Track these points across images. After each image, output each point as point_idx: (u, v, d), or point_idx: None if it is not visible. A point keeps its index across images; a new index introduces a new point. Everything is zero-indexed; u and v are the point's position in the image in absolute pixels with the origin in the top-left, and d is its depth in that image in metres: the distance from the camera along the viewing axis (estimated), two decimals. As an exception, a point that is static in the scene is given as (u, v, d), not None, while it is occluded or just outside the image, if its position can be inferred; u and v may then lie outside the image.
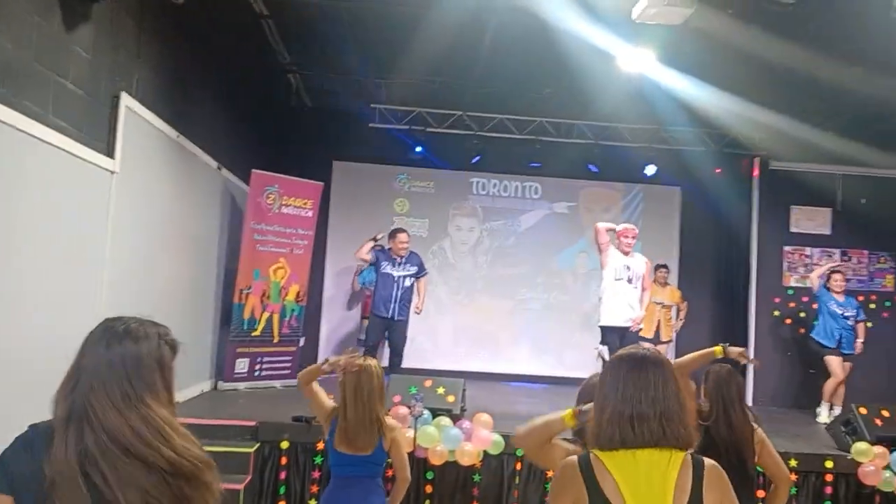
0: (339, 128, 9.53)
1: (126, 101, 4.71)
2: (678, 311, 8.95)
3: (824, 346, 7.58)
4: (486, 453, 5.24)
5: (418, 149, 9.46)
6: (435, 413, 5.34)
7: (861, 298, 8.90)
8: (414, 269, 7.41)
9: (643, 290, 6.93)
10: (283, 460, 5.18)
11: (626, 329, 6.59)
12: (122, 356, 1.67)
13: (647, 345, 6.45)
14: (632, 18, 5.05)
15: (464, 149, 9.52)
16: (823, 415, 7.40)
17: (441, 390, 5.54)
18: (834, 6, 5.73)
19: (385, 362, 8.45)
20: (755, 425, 3.44)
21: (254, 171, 7.21)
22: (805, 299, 8.82)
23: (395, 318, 7.27)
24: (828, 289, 7.83)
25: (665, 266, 8.72)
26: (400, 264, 7.33)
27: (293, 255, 7.56)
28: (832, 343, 7.54)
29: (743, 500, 3.29)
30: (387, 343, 7.47)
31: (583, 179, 10.25)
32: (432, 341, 7.64)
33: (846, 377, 7.51)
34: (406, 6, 6.19)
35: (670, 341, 8.65)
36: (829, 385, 7.51)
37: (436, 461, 5.09)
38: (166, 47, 5.56)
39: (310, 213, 7.69)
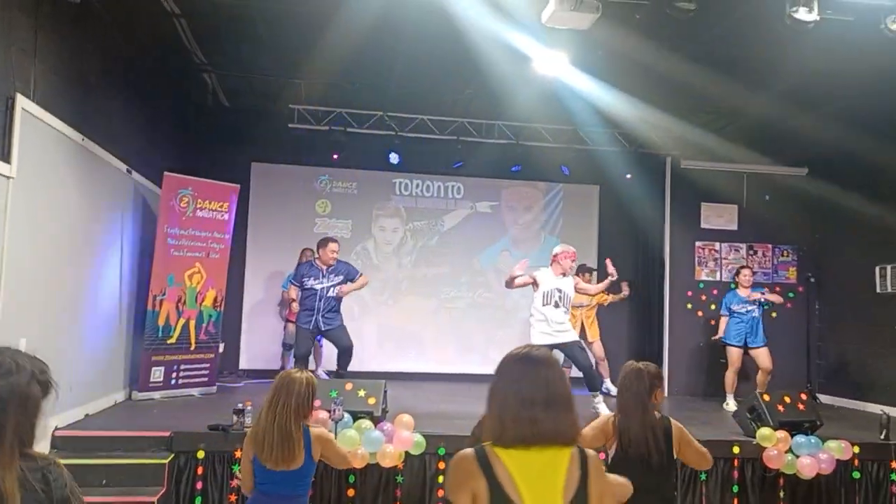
0: (257, 129, 9.35)
1: (22, 102, 4.51)
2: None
3: (733, 345, 7.97)
4: (407, 454, 5.26)
5: (335, 156, 9.39)
6: (356, 416, 5.33)
7: (766, 290, 9.36)
8: (339, 279, 7.30)
9: (584, 291, 7.35)
10: (200, 470, 5.06)
11: (564, 343, 6.72)
12: None
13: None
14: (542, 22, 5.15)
15: (386, 149, 9.50)
16: (731, 404, 7.76)
17: (362, 393, 5.52)
18: (733, 14, 5.99)
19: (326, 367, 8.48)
20: (670, 419, 3.57)
21: (166, 173, 7.02)
22: (715, 292, 9.20)
23: (323, 329, 7.19)
24: (736, 284, 8.19)
25: (589, 270, 8.84)
26: (324, 275, 7.22)
27: (209, 260, 7.39)
28: (739, 342, 7.93)
29: (663, 488, 3.45)
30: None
31: (505, 179, 10.40)
32: (357, 343, 7.60)
33: (767, 366, 7.86)
34: (318, 6, 6.13)
35: (596, 340, 8.83)
36: (728, 376, 7.91)
37: (357, 464, 5.07)
38: (67, 46, 5.34)
39: (226, 216, 7.53)
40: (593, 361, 8.59)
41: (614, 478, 2.89)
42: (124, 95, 6.73)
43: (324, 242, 7.37)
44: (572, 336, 6.83)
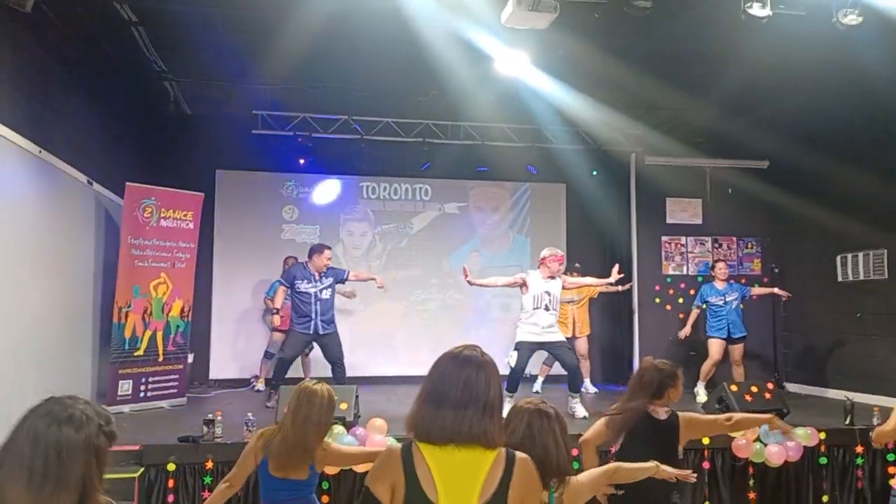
0: (221, 136, 9.26)
1: (-25, 115, 4.42)
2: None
3: (716, 338, 8.07)
4: (381, 458, 5.24)
5: (301, 161, 9.34)
6: (327, 422, 5.29)
7: (732, 282, 9.52)
8: (330, 280, 7.26)
9: (570, 285, 7.40)
10: (171, 483, 4.99)
11: (550, 343, 6.82)
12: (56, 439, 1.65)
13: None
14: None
15: (352, 153, 9.49)
16: (701, 394, 7.88)
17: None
18: (689, 11, 6.09)
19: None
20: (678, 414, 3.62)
21: (128, 184, 6.92)
22: (682, 285, 9.33)
23: (321, 333, 7.12)
24: (712, 278, 8.31)
25: (576, 269, 8.81)
26: (318, 279, 7.16)
27: (175, 270, 7.30)
28: (723, 334, 8.04)
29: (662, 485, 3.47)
30: (324, 356, 7.37)
31: (472, 180, 10.43)
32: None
33: (742, 358, 8.03)
34: (274, 9, 6.10)
35: (587, 334, 8.90)
36: (705, 366, 8.03)
37: (331, 471, 5.04)
38: (21, 57, 5.24)
39: (191, 225, 7.44)
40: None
41: (590, 473, 2.94)
42: (83, 106, 6.63)
43: (319, 249, 7.29)
44: (559, 336, 6.91)
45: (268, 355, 8.74)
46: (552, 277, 6.91)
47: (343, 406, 5.47)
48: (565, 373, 6.91)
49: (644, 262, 9.52)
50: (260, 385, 8.54)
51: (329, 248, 7.46)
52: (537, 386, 8.59)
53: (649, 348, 9.26)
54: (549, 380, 8.70)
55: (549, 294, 6.82)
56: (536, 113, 8.70)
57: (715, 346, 8.05)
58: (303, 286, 7.10)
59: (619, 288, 8.67)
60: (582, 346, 8.70)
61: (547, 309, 6.80)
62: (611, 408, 3.72)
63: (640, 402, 3.54)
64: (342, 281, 7.44)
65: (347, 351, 9.42)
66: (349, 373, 8.00)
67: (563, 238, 10.60)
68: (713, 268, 8.45)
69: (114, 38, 7.06)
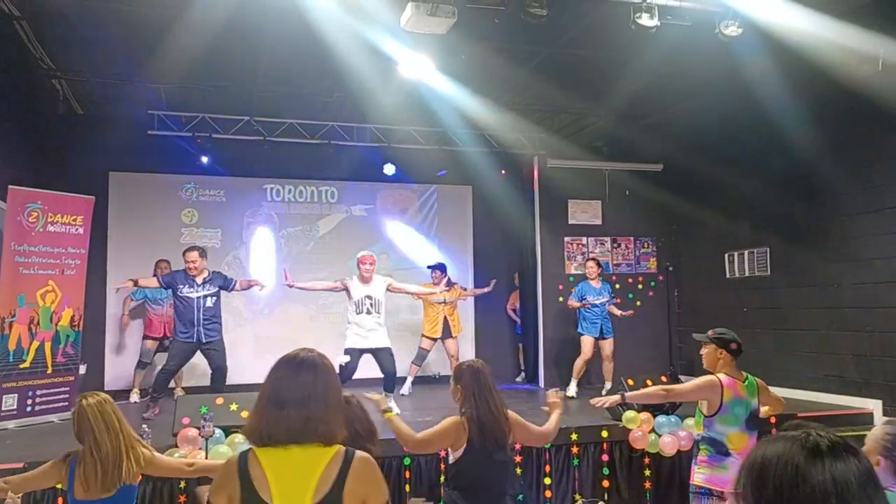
0: (114, 136, 8.82)
1: None
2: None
3: (592, 336, 8.33)
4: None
5: (204, 159, 9.05)
6: (228, 431, 5.17)
7: (630, 280, 9.91)
8: (215, 289, 7.02)
9: (403, 290, 7.57)
10: (59, 501, 4.75)
11: (377, 349, 6.92)
12: None
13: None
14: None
15: (254, 155, 9.29)
16: (572, 390, 8.22)
17: (234, 407, 5.36)
18: (583, 20, 6.31)
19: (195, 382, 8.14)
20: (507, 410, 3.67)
21: (11, 187, 6.53)
22: (584, 284, 9.61)
23: (205, 341, 6.87)
24: (585, 277, 8.61)
25: (439, 266, 8.88)
26: (199, 285, 6.91)
27: (64, 277, 6.94)
28: (596, 333, 8.33)
29: (508, 474, 3.57)
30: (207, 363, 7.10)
31: (379, 182, 10.40)
32: (232, 356, 7.36)
33: (612, 354, 8.34)
34: (169, 6, 5.92)
35: (460, 333, 9.01)
36: (577, 363, 8.35)
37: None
38: None
39: (80, 230, 7.09)
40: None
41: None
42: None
43: (185, 251, 7.04)
44: (384, 342, 7.00)
45: (141, 364, 8.40)
46: (367, 281, 7.01)
47: (244, 415, 5.32)
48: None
49: (547, 262, 9.75)
50: (134, 396, 8.19)
51: (194, 249, 7.09)
52: (406, 387, 8.55)
53: (553, 345, 9.53)
54: (419, 381, 8.81)
55: (370, 298, 6.95)
56: (442, 116, 8.79)
57: (588, 344, 8.33)
58: (184, 291, 6.85)
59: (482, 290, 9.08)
60: (452, 346, 8.82)
61: (369, 312, 6.95)
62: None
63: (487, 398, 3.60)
64: (228, 289, 7.21)
65: (251, 355, 9.30)
66: (256, 379, 7.80)
67: (469, 239, 10.75)
68: (584, 267, 8.74)
69: (-6, 34, 6.68)
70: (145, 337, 8.49)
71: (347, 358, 6.73)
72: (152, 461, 3.34)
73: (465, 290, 9.23)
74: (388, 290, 7.16)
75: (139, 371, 8.40)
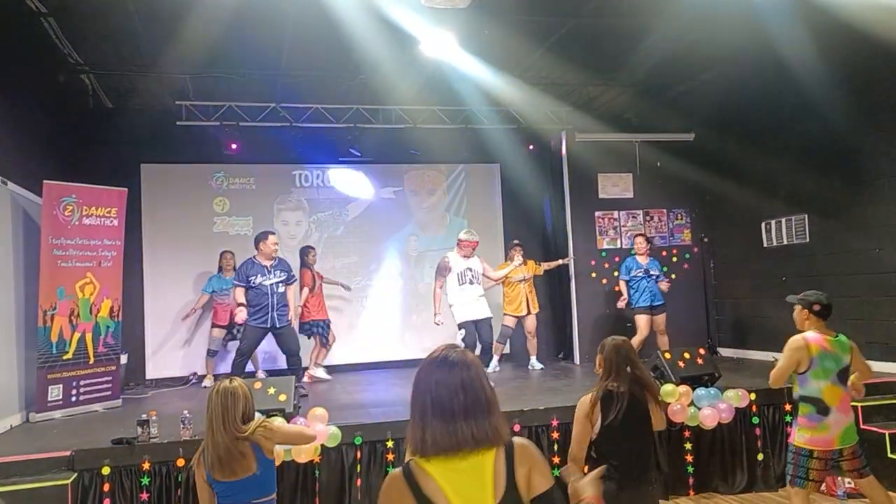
0: (144, 128, 8.99)
1: None
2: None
3: (643, 311, 8.27)
4: (323, 447, 5.21)
5: (234, 146, 9.10)
6: (267, 414, 5.22)
7: (665, 253, 9.77)
8: (284, 276, 7.18)
9: (488, 276, 7.63)
10: (106, 487, 4.85)
11: (480, 320, 6.95)
12: None
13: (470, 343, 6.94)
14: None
15: (282, 141, 9.32)
16: None
17: (272, 390, 5.41)
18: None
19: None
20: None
21: (45, 182, 6.63)
22: (617, 259, 9.50)
23: (278, 326, 7.04)
24: (633, 253, 8.50)
25: (518, 244, 8.90)
26: (270, 271, 7.05)
27: (102, 269, 7.05)
28: (646, 303, 8.26)
29: (644, 447, 3.58)
30: (279, 348, 7.33)
31: (406, 164, 10.38)
32: (268, 342, 7.46)
33: (665, 328, 8.27)
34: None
35: (538, 310, 8.96)
36: (634, 341, 8.21)
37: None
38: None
39: (115, 222, 7.18)
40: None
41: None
42: (-8, 103, 6.31)
43: (263, 236, 7.19)
44: (487, 311, 7.08)
45: (210, 353, 8.59)
46: (467, 257, 7.10)
47: (282, 398, 5.40)
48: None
49: (579, 238, 9.66)
50: (208, 382, 8.37)
51: (272, 232, 7.37)
52: (493, 366, 8.60)
53: (587, 322, 9.46)
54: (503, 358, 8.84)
55: (470, 270, 7.05)
56: (466, 95, 8.71)
57: (643, 321, 8.27)
58: (257, 280, 7.00)
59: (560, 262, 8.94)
60: (531, 324, 8.80)
61: (471, 283, 7.10)
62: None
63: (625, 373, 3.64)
64: (289, 283, 7.33)
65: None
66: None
67: (499, 218, 10.69)
68: (633, 242, 8.71)
69: (24, 31, 6.75)
70: (213, 326, 8.65)
71: (463, 332, 6.85)
72: (274, 432, 3.38)
73: (540, 264, 9.10)
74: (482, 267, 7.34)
75: (210, 359, 8.63)
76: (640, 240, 8.53)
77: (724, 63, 8.11)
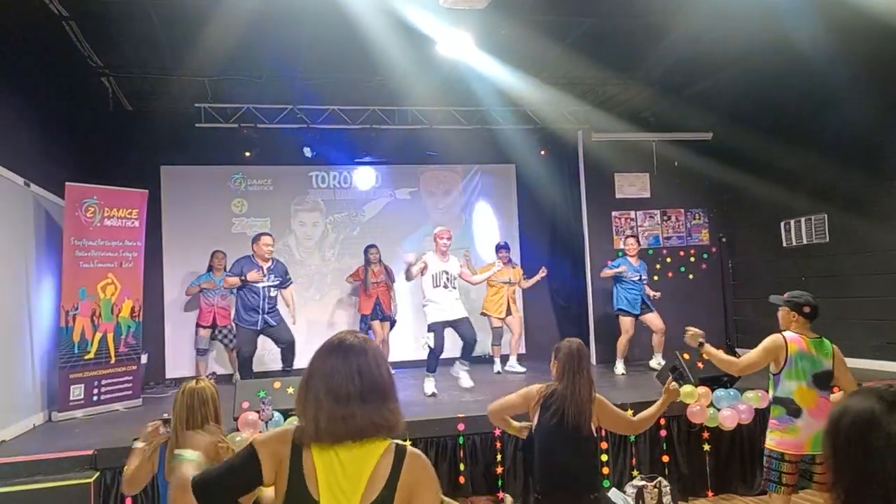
0: (163, 131, 9.09)
1: None
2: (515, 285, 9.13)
3: (628, 312, 8.22)
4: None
5: (247, 154, 9.17)
6: (286, 414, 5.27)
7: (682, 253, 9.72)
8: (278, 281, 7.26)
9: (467, 280, 7.45)
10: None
11: (457, 320, 6.90)
12: None
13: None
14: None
15: (299, 143, 9.37)
16: (619, 369, 8.18)
17: (290, 390, 5.45)
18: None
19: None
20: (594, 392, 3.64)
21: (67, 183, 6.72)
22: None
23: (271, 325, 7.11)
24: (624, 254, 8.48)
25: (505, 246, 8.99)
26: (265, 274, 7.10)
27: (123, 269, 7.13)
28: (636, 309, 8.21)
29: (584, 453, 3.48)
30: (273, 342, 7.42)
31: (422, 164, 10.41)
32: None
33: (663, 327, 8.19)
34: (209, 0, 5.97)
35: (518, 315, 8.99)
36: (620, 342, 8.26)
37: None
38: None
39: (136, 224, 7.27)
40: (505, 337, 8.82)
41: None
42: (16, 106, 6.40)
43: (257, 237, 7.27)
44: (462, 312, 7.03)
45: (199, 352, 8.66)
46: (444, 256, 7.08)
47: (290, 390, 5.43)
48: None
49: (595, 238, 9.63)
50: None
51: (267, 234, 7.41)
52: (497, 367, 8.67)
53: (604, 322, 9.42)
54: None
55: (446, 273, 7.00)
56: (482, 95, 8.71)
57: (627, 323, 8.24)
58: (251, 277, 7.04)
59: (539, 276, 8.91)
60: (517, 325, 8.84)
61: (446, 287, 7.02)
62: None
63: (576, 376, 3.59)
64: (284, 286, 7.44)
65: (304, 341, 9.43)
66: (304, 363, 7.94)
67: (514, 218, 10.69)
68: (624, 243, 8.58)
69: (45, 35, 6.83)
70: (198, 325, 8.72)
71: (432, 335, 6.81)
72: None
73: (525, 279, 9.10)
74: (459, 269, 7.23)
75: (200, 359, 8.69)
76: (631, 241, 8.46)
77: (743, 61, 8.05)
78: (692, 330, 4.30)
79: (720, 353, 4.29)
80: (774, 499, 4.07)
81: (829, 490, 1.32)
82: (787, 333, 4.18)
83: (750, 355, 4.23)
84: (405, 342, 9.84)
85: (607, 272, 8.35)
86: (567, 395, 3.50)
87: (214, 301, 8.61)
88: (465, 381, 7.14)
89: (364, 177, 10.21)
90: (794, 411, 4.03)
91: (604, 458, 5.67)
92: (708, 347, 4.26)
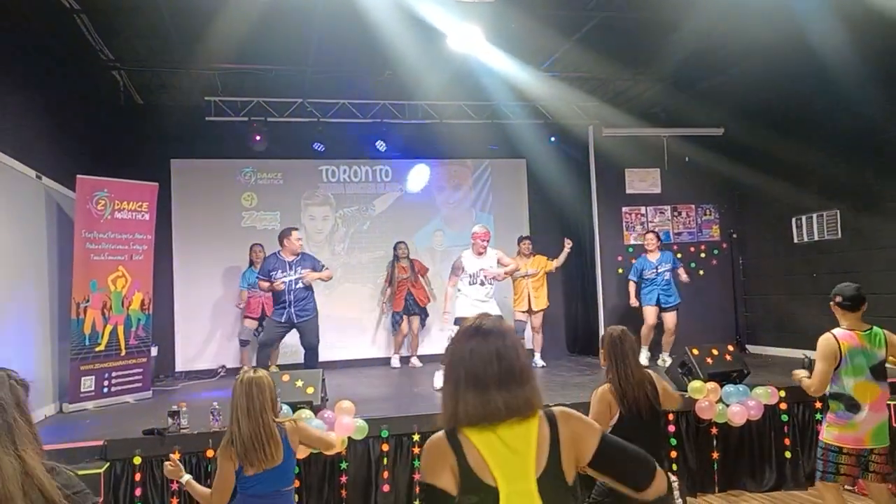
0: (173, 124, 9.12)
1: None
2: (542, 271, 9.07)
3: (650, 305, 8.24)
4: (350, 440, 5.24)
5: (257, 137, 9.15)
6: (295, 407, 5.28)
7: (692, 249, 9.67)
8: (307, 271, 7.16)
9: (503, 266, 7.33)
10: (138, 476, 4.94)
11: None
12: None
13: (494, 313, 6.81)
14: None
15: (309, 137, 9.38)
16: (643, 359, 8.13)
17: (299, 383, 5.47)
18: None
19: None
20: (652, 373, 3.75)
21: (79, 176, 6.75)
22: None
23: (296, 322, 7.06)
24: (644, 251, 8.46)
25: (528, 238, 8.98)
26: (291, 267, 7.06)
27: (133, 262, 7.17)
28: (652, 301, 8.22)
29: (656, 438, 3.52)
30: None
31: (432, 158, 10.39)
32: (294, 336, 7.51)
33: (675, 328, 8.17)
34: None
35: (544, 309, 8.95)
36: (643, 330, 8.22)
37: (300, 455, 5.02)
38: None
39: (146, 217, 7.30)
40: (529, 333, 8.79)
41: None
42: (28, 99, 6.43)
43: (286, 232, 7.19)
44: (494, 309, 6.99)
45: (242, 343, 8.73)
46: (481, 255, 7.09)
47: (309, 390, 5.45)
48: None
49: (605, 233, 9.60)
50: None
51: (296, 228, 7.37)
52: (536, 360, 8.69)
53: (613, 317, 9.39)
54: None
55: (483, 272, 6.99)
56: (492, 89, 8.69)
57: (648, 312, 8.24)
58: (278, 276, 7.02)
59: (564, 252, 8.81)
60: (537, 321, 8.82)
61: (482, 284, 7.04)
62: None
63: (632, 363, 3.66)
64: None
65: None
66: (322, 356, 7.96)
67: (525, 213, 10.66)
68: (643, 239, 8.59)
69: (56, 28, 6.86)
70: (245, 317, 8.77)
71: (457, 329, 6.80)
72: (301, 430, 3.45)
73: (552, 259, 8.98)
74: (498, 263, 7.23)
75: (243, 349, 8.80)
76: (650, 237, 8.44)
77: (755, 56, 7.99)
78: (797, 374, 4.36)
79: (803, 378, 4.29)
80: (828, 489, 4.10)
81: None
82: (838, 331, 4.16)
83: (816, 370, 4.18)
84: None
85: (632, 283, 8.39)
86: (629, 379, 3.59)
87: (261, 293, 8.49)
88: None
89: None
90: (852, 407, 4.04)
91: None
92: (797, 372, 4.34)
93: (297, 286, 7.06)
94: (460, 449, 1.77)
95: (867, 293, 4.32)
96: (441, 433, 1.84)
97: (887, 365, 4.15)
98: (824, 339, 4.14)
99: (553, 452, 1.78)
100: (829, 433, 4.13)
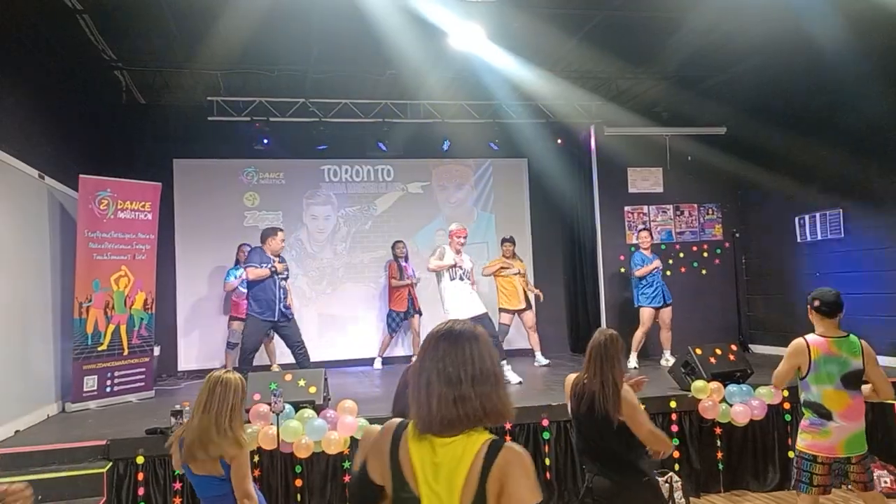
0: (176, 124, 9.15)
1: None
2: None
3: (653, 307, 8.16)
4: (353, 439, 5.24)
5: (265, 140, 9.17)
6: (297, 406, 5.28)
7: (695, 248, 9.67)
8: (286, 273, 7.23)
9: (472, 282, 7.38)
10: (140, 476, 4.94)
11: (478, 316, 6.87)
12: None
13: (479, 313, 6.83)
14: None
15: (311, 136, 9.38)
16: (632, 362, 8.10)
17: (302, 382, 5.47)
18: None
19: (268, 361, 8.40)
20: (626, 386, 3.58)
21: (81, 176, 6.76)
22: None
23: (285, 318, 7.07)
24: (637, 248, 8.44)
25: (509, 239, 8.95)
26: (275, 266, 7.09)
27: (136, 262, 7.17)
28: (659, 302, 8.15)
29: (613, 443, 3.41)
30: (283, 342, 7.30)
31: (434, 158, 10.39)
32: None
33: (671, 322, 8.17)
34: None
35: (534, 303, 8.98)
36: (637, 335, 8.17)
37: (302, 454, 5.04)
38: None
39: (149, 216, 7.30)
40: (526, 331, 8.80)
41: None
42: (31, 99, 6.43)
43: (272, 232, 7.15)
44: (482, 307, 7.00)
45: (230, 345, 8.68)
46: (459, 253, 7.11)
47: (312, 390, 5.45)
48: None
49: (607, 233, 9.59)
50: None
51: (281, 230, 7.33)
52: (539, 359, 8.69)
53: (616, 316, 9.39)
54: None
55: (461, 268, 6.99)
56: (494, 89, 8.67)
57: (647, 315, 8.18)
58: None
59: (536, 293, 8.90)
60: (529, 318, 8.78)
61: (462, 279, 7.04)
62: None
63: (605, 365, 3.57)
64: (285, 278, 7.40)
65: (316, 335, 9.47)
66: (318, 357, 7.97)
67: (526, 212, 10.66)
68: (638, 237, 8.56)
69: (59, 28, 6.86)
70: (232, 318, 8.73)
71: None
72: (235, 458, 3.17)
73: (529, 285, 9.05)
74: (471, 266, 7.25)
75: (229, 351, 8.70)
76: (644, 234, 8.45)
77: (758, 55, 7.98)
78: None
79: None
80: (803, 499, 4.00)
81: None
82: (810, 336, 4.04)
83: (778, 368, 4.16)
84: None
85: (643, 270, 8.24)
86: (595, 384, 3.47)
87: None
88: (512, 377, 7.08)
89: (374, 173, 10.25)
90: (824, 414, 3.94)
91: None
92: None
93: (282, 284, 7.07)
94: (397, 447, 1.79)
95: (869, 293, 4.28)
96: (394, 423, 1.86)
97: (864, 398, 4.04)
98: (795, 343, 4.07)
99: (480, 483, 1.69)
100: (802, 440, 4.04)
